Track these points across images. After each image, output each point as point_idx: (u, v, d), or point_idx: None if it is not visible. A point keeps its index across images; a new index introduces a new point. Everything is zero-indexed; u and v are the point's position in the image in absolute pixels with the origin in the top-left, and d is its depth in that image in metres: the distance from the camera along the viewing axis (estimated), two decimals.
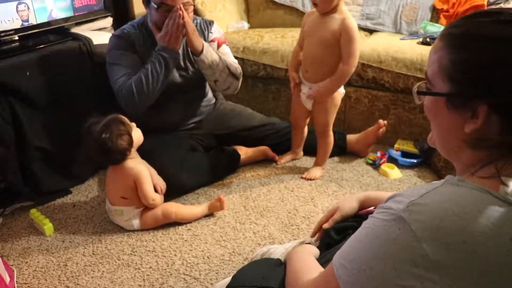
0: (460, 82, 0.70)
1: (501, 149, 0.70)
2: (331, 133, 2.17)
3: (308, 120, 2.24)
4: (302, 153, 2.36)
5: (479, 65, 0.68)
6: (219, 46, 2.14)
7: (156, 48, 1.91)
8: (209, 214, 1.94)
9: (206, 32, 2.13)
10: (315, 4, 1.91)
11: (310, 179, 2.18)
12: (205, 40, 2.11)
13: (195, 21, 2.11)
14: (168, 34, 1.87)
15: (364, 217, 1.20)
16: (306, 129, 2.28)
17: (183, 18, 1.84)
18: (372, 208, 1.27)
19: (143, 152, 1.91)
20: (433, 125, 0.79)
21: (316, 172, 2.20)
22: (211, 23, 2.16)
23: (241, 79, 2.16)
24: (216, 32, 2.16)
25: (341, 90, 2.09)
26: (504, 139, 0.69)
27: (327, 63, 1.98)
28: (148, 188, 1.82)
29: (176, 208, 1.89)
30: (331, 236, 1.24)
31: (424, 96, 0.78)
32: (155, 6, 1.88)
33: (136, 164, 1.84)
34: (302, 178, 2.19)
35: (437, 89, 0.74)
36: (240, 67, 2.14)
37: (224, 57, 2.06)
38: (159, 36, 1.90)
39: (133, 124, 1.85)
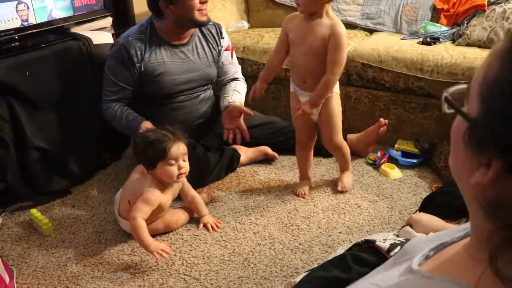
0: (491, 113, 0.46)
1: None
2: (344, 144, 2.02)
3: (315, 138, 2.07)
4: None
5: None
6: (232, 55, 2.25)
7: (139, 120, 1.96)
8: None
9: (217, 37, 2.17)
10: (297, 5, 1.76)
11: (348, 190, 2.07)
12: (217, 44, 2.17)
13: None
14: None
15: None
16: (312, 152, 2.10)
17: None
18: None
19: None
20: (451, 148, 0.55)
21: (348, 179, 2.09)
22: (219, 26, 2.21)
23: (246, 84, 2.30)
24: (226, 37, 2.22)
25: (336, 89, 1.92)
26: None
27: (324, 72, 1.80)
28: (141, 208, 1.67)
29: (176, 216, 1.87)
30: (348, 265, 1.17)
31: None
32: None
33: (155, 190, 1.71)
34: (338, 191, 2.06)
35: (469, 104, 0.50)
36: (242, 75, 2.30)
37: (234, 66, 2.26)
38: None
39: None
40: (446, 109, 0.53)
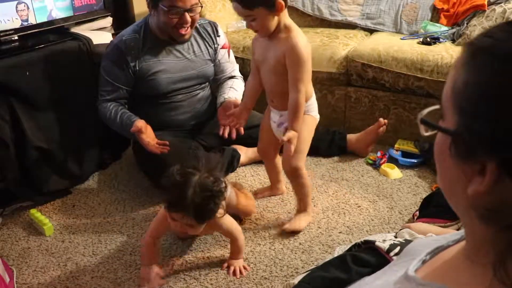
0: (472, 118, 0.47)
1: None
2: (303, 172, 1.76)
3: (278, 150, 1.92)
4: (283, 187, 2.06)
5: (500, 97, 0.45)
6: (228, 53, 2.24)
7: (133, 119, 1.94)
8: None
9: (213, 35, 2.17)
10: (256, 31, 1.63)
11: (294, 232, 1.79)
12: (214, 42, 2.17)
13: (201, 22, 2.14)
14: (147, 146, 1.89)
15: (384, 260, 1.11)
16: (278, 160, 1.94)
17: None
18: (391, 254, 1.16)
19: (147, 152, 1.91)
20: (437, 168, 0.55)
21: (300, 221, 1.80)
22: (215, 24, 2.20)
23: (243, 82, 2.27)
24: (222, 35, 2.22)
25: (316, 116, 1.80)
26: None
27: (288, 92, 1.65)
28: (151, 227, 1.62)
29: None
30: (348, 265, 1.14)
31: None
32: (165, 8, 1.88)
33: (163, 218, 1.57)
34: (283, 230, 1.80)
35: (446, 121, 0.51)
36: (239, 73, 2.29)
37: (231, 64, 2.25)
38: (146, 141, 1.90)
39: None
40: (424, 131, 0.54)
